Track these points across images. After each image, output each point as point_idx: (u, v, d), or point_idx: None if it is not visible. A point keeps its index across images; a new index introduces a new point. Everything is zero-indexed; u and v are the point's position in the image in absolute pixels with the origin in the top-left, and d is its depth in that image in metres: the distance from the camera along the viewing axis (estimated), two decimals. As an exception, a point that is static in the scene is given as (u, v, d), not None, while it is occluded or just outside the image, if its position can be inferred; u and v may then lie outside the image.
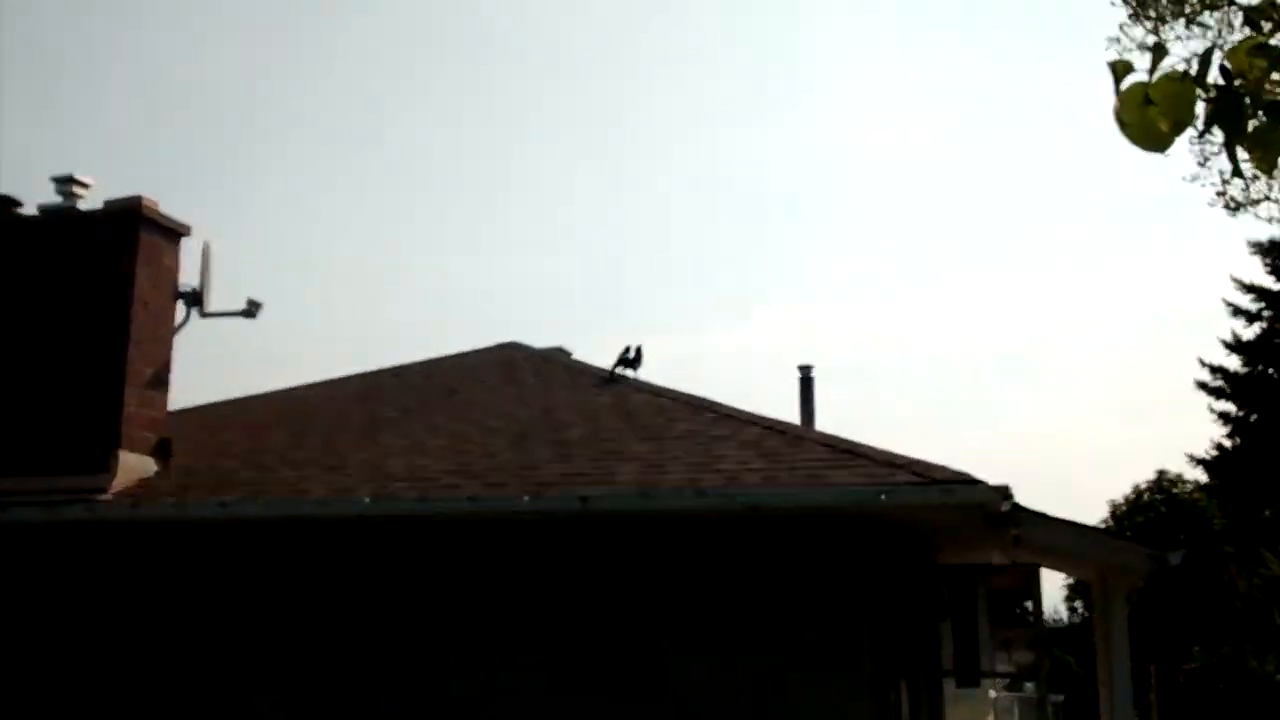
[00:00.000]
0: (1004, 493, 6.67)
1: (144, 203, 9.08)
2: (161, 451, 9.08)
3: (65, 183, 9.37)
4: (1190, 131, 2.43)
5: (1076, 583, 30.51)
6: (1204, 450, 32.66)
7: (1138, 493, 33.96)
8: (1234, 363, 32.73)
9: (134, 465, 8.77)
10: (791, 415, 16.27)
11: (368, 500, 7.62)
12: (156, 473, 8.92)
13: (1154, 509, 32.64)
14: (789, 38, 51.61)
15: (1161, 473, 33.84)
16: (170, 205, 9.28)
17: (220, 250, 9.65)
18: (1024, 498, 6.93)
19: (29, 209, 9.56)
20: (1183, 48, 10.08)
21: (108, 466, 8.60)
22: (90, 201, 9.41)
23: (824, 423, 16.30)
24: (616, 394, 9.54)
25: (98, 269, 9.09)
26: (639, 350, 10.04)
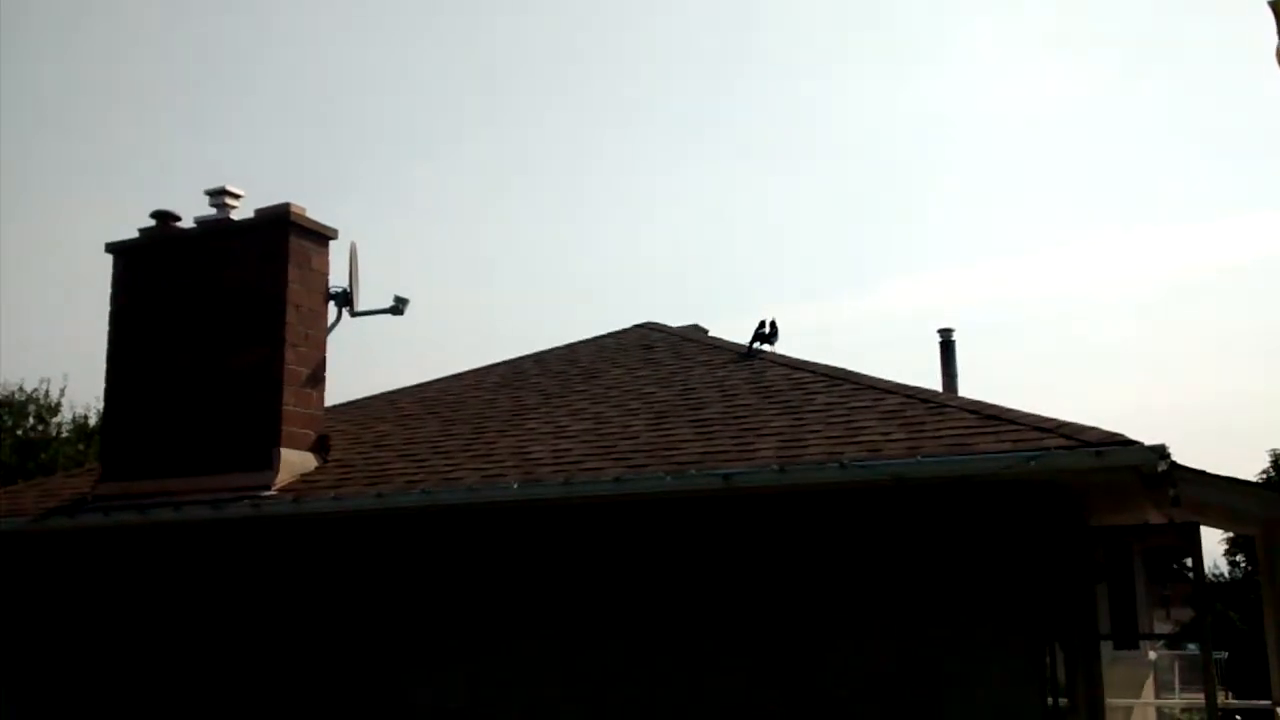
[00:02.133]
0: (1160, 452, 6.49)
1: (292, 209, 9.48)
2: (320, 447, 9.51)
3: (218, 195, 9.85)
4: None
5: (1239, 535, 29.37)
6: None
7: (1301, 440, 32.40)
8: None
9: (295, 461, 9.20)
10: (933, 382, 16.06)
11: (515, 486, 7.85)
12: (316, 468, 9.34)
13: (1319, 456, 31.14)
14: (911, -7, 50.37)
15: (1326, 419, 32.21)
16: (315, 210, 9.69)
17: (366, 252, 10.03)
18: (1181, 453, 6.74)
19: (186, 222, 10.09)
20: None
21: (270, 464, 9.04)
22: (241, 211, 9.87)
23: (968, 388, 16.03)
24: (753, 370, 9.59)
25: (252, 275, 9.54)
26: (774, 324, 10.07)
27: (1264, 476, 31.49)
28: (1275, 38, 2.30)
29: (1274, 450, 32.97)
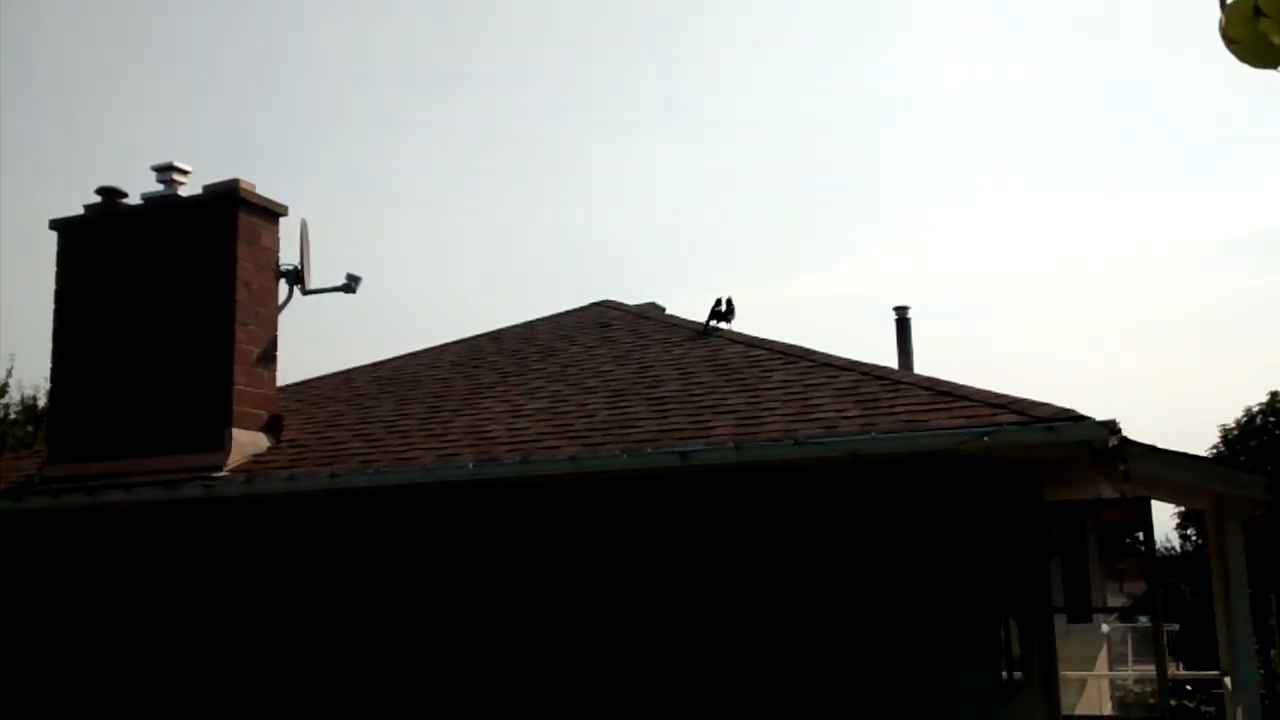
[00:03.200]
0: (1111, 427, 6.55)
1: (241, 185, 9.32)
2: (272, 427, 9.39)
3: (165, 171, 9.65)
4: None
5: (1189, 510, 29.83)
6: (1320, 368, 31.57)
7: (1250, 416, 32.95)
8: (1349, 276, 31.51)
9: (247, 442, 9.08)
10: (889, 359, 16.15)
11: (471, 465, 7.79)
12: (269, 448, 9.23)
13: (1268, 431, 31.68)
14: (866, -30, 50.39)
15: (1274, 394, 32.77)
16: (266, 187, 9.54)
17: (317, 229, 9.90)
18: (1134, 426, 6.80)
19: (132, 199, 9.89)
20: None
21: (222, 444, 8.92)
22: (190, 188, 9.69)
23: (924, 365, 16.14)
24: (711, 347, 9.57)
25: (201, 253, 9.38)
26: (730, 302, 10.06)
27: (1214, 451, 31.96)
28: (1219, 14, 2.24)
29: (1224, 426, 33.47)
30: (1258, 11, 2.14)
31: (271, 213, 9.63)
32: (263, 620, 8.78)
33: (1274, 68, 2.22)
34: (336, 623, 8.54)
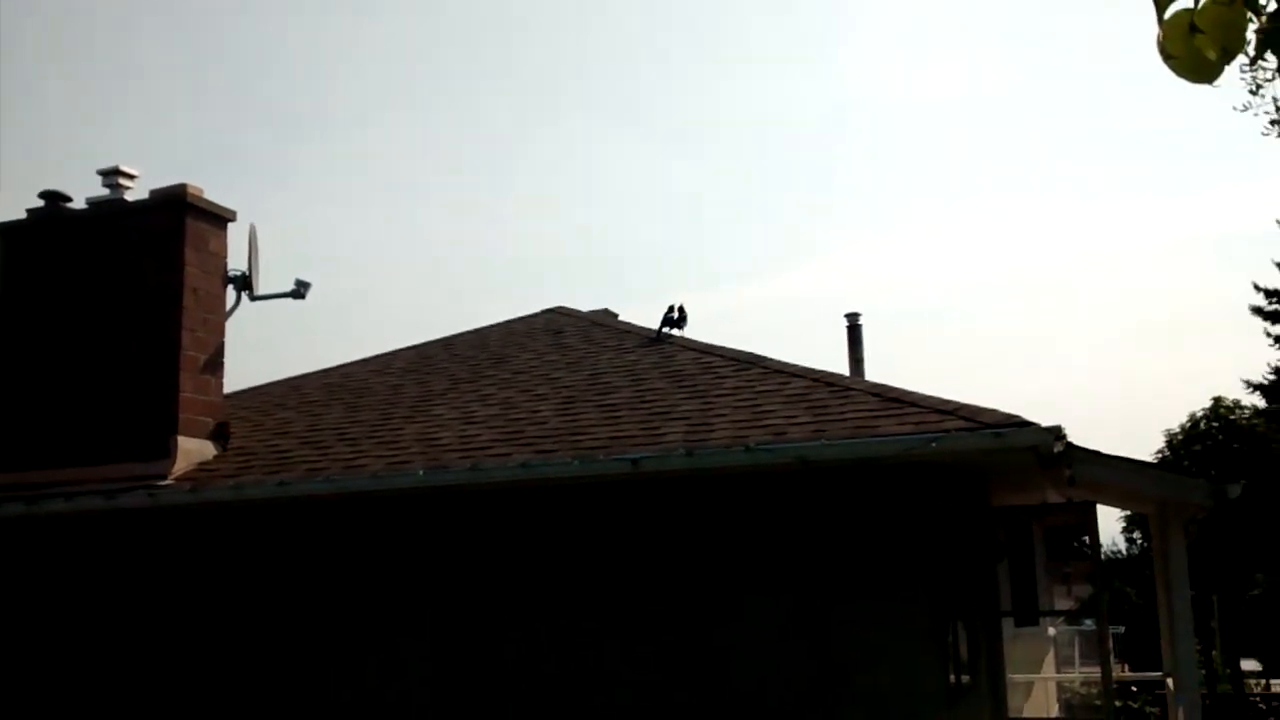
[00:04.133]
0: (1056, 433, 6.63)
1: (189, 190, 9.21)
2: (219, 435, 9.27)
3: (111, 175, 9.52)
4: (1241, 59, 2.30)
5: (1135, 514, 30.26)
6: (1260, 375, 32.19)
7: (1194, 421, 33.49)
8: (1289, 285, 32.14)
9: (193, 450, 8.97)
10: (841, 366, 16.25)
11: (421, 472, 7.74)
12: (215, 456, 9.12)
13: (1211, 437, 32.22)
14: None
15: (1218, 400, 33.37)
16: (213, 191, 9.43)
17: (266, 235, 9.79)
18: (1081, 432, 6.89)
19: (77, 204, 9.74)
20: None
21: (167, 452, 8.79)
22: (136, 193, 9.56)
23: (877, 372, 16.26)
24: (663, 354, 9.59)
25: (147, 258, 9.25)
26: (682, 309, 10.08)
27: (1159, 456, 32.44)
28: (1157, 30, 2.28)
29: (1169, 431, 33.99)
30: (1193, 28, 2.18)
31: (220, 218, 9.52)
32: (209, 630, 8.66)
33: (1210, 82, 2.26)
34: (285, 632, 8.44)
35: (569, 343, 10.63)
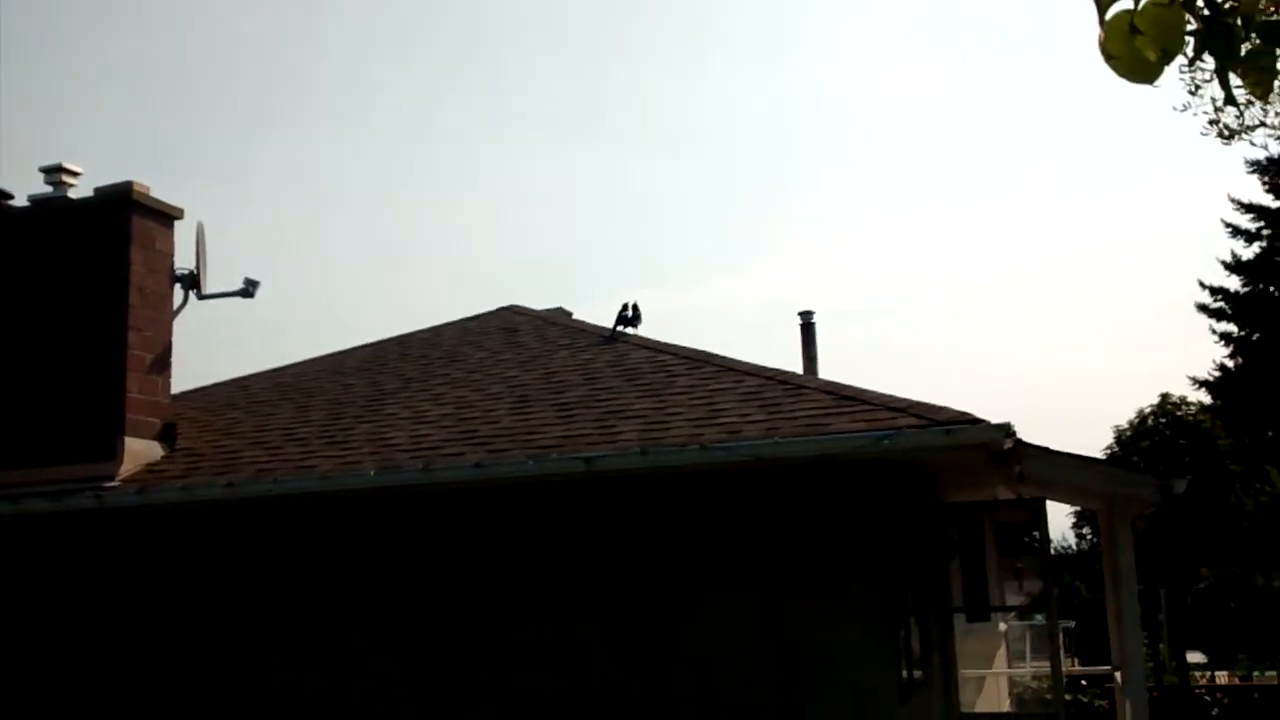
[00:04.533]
0: (1006, 430, 6.69)
1: (135, 187, 9.06)
2: (167, 436, 9.14)
3: (54, 172, 9.34)
4: (1180, 59, 2.31)
5: (1084, 509, 30.67)
6: (1206, 372, 32.75)
7: (1142, 417, 34.03)
8: (1234, 283, 32.75)
9: (140, 451, 8.83)
10: (795, 364, 16.30)
11: (372, 473, 7.67)
12: (163, 457, 8.98)
13: (1159, 432, 32.75)
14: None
15: (1165, 396, 33.92)
16: (161, 189, 9.29)
17: (214, 232, 9.66)
18: (1031, 429, 6.98)
19: (19, 201, 9.55)
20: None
21: (114, 453, 8.65)
22: (81, 190, 9.39)
23: (830, 369, 16.34)
24: (617, 353, 9.57)
25: (92, 257, 9.10)
26: (636, 307, 10.07)
27: (1108, 452, 32.90)
28: (1098, 30, 2.30)
29: (1117, 427, 34.50)
30: (1134, 29, 2.20)
31: (167, 216, 9.38)
32: (156, 632, 8.53)
33: (1150, 83, 2.28)
34: (234, 634, 8.33)
35: (523, 341, 10.58)
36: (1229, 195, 32.93)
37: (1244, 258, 32.63)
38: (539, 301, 12.13)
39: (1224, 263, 32.78)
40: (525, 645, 7.65)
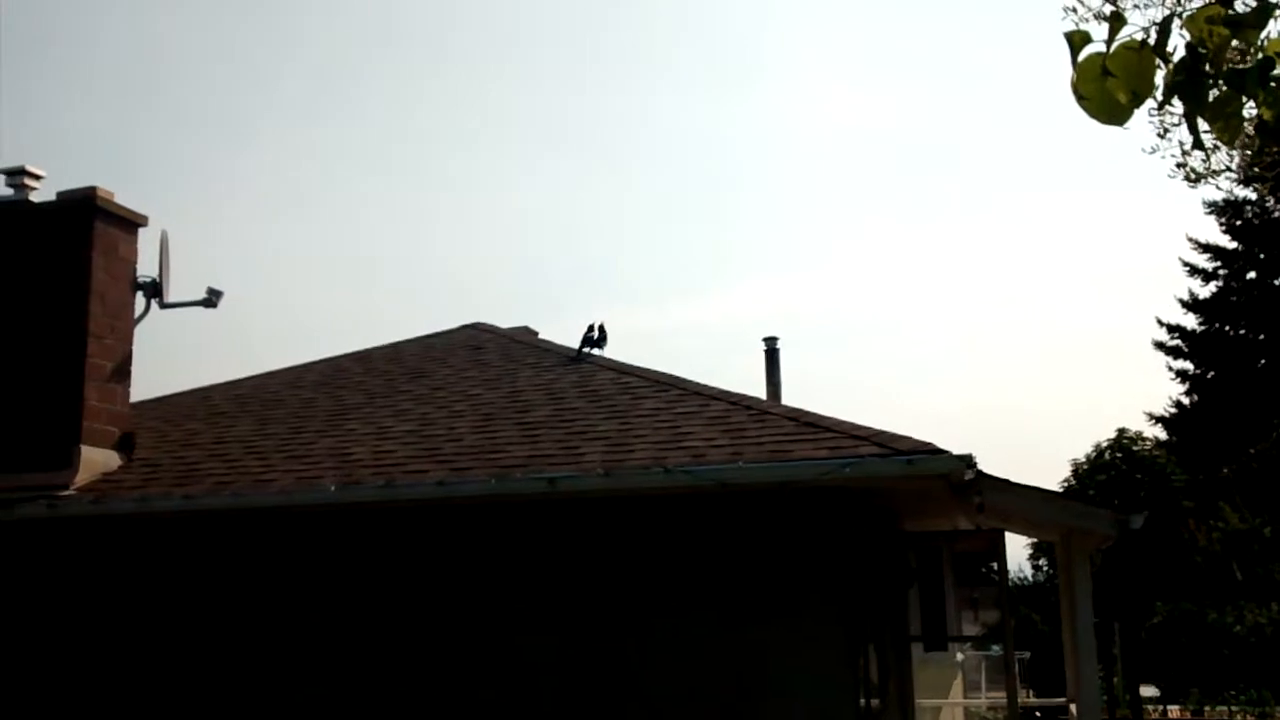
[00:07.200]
0: (967, 461, 6.75)
1: (99, 193, 8.96)
2: (124, 445, 9.01)
3: (16, 175, 9.22)
4: (1150, 102, 2.31)
5: (1041, 541, 30.89)
6: (1163, 408, 33.14)
7: (1099, 451, 34.32)
8: (1191, 321, 33.20)
9: (97, 460, 8.70)
10: (759, 389, 16.36)
11: (333, 488, 7.60)
12: (120, 467, 8.86)
13: (1115, 467, 33.04)
14: (749, 12, 51.46)
15: (1121, 431, 34.25)
16: (124, 196, 9.19)
17: (179, 241, 9.57)
18: (990, 461, 7.02)
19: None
20: (1141, 16, 9.86)
21: (70, 462, 8.52)
22: (43, 194, 9.27)
23: (793, 394, 16.40)
24: (582, 373, 9.55)
25: (53, 262, 8.98)
26: (602, 328, 10.05)
27: (1066, 485, 33.17)
28: (1070, 71, 2.33)
29: (1075, 460, 34.81)
30: (1106, 71, 2.23)
31: (130, 223, 9.27)
32: (107, 644, 8.39)
33: (1120, 124, 2.32)
34: (188, 648, 8.21)
35: (488, 359, 10.54)
36: (1187, 235, 33.47)
37: (1201, 296, 33.12)
38: (503, 320, 12.10)
39: (1182, 301, 33.26)
40: (481, 665, 7.58)
